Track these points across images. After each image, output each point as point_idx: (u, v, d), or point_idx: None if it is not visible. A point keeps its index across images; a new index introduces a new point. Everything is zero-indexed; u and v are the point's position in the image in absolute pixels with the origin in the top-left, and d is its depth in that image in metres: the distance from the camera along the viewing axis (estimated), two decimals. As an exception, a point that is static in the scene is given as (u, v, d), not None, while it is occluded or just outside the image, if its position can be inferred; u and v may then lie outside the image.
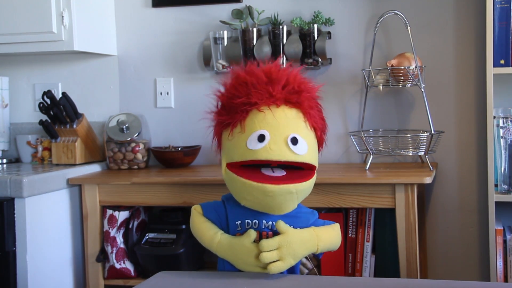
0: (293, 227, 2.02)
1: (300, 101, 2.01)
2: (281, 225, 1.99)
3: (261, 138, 1.94)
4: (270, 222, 2.02)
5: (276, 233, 2.01)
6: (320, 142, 2.10)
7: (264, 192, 1.92)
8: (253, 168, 1.99)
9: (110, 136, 2.79)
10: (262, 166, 2.00)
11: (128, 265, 2.62)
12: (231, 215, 2.06)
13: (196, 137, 2.88)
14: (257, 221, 2.03)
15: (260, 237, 2.02)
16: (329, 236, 2.08)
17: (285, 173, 1.98)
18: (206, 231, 2.07)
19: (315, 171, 2.04)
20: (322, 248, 2.06)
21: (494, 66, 2.34)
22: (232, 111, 2.01)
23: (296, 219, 2.04)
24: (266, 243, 1.96)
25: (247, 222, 2.04)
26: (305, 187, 1.98)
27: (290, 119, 1.99)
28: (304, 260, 2.36)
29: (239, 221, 2.05)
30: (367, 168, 2.49)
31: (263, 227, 2.03)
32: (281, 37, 2.67)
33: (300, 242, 1.99)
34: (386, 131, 2.69)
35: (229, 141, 2.01)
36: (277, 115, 1.98)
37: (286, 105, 2.00)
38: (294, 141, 1.95)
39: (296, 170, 2.00)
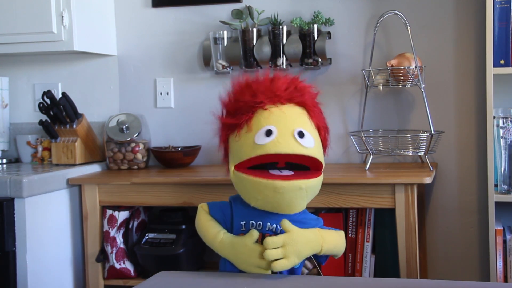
0: None
1: (303, 100, 2.07)
2: (286, 223, 2.00)
3: (269, 132, 1.97)
4: (274, 225, 2.03)
5: None
6: (324, 144, 2.13)
7: (274, 189, 1.94)
8: (261, 169, 2.00)
9: (110, 136, 2.79)
10: (269, 168, 2.01)
11: (128, 265, 2.62)
12: (237, 215, 2.07)
13: (196, 137, 2.88)
14: (261, 223, 2.04)
15: (262, 239, 2.02)
16: (333, 239, 2.10)
17: (292, 173, 2.00)
18: (209, 229, 2.09)
19: (322, 171, 2.05)
20: (326, 250, 2.06)
21: (494, 66, 2.34)
22: (238, 113, 2.04)
23: (302, 225, 2.04)
24: (271, 240, 1.97)
25: (252, 223, 2.05)
26: (314, 184, 2.00)
27: (296, 114, 2.04)
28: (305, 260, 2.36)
29: (244, 222, 2.06)
30: (367, 168, 2.49)
31: (267, 229, 2.04)
32: (281, 37, 2.67)
33: (305, 241, 2.00)
34: (386, 131, 2.69)
35: (236, 142, 2.03)
36: (283, 110, 2.02)
37: (290, 103, 2.06)
38: (301, 134, 1.99)
39: (303, 170, 2.02)
